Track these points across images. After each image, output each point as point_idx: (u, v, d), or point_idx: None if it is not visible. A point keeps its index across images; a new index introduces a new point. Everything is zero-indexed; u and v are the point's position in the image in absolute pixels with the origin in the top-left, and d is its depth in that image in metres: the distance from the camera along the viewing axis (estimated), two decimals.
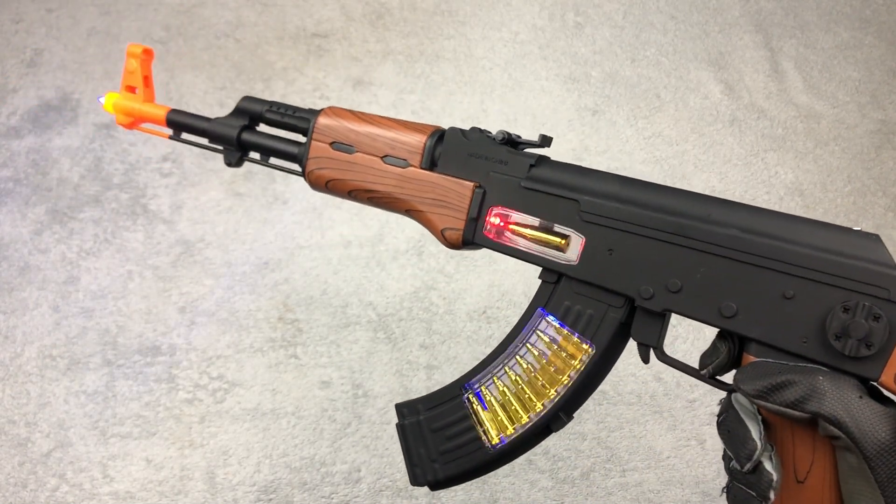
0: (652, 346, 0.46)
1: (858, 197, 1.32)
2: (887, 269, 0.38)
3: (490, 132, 0.52)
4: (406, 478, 0.97)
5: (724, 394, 0.45)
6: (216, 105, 1.33)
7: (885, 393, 0.39)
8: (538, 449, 0.99)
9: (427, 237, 1.17)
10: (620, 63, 1.47)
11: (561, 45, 1.49)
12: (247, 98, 0.60)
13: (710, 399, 1.10)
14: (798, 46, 1.52)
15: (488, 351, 1.07)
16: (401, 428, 0.52)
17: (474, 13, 1.53)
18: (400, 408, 0.53)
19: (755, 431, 0.40)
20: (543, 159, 0.51)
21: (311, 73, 1.39)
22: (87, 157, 1.26)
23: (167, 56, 1.41)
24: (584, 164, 1.41)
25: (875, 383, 0.38)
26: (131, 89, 0.60)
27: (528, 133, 1.36)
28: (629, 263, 0.45)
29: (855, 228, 0.40)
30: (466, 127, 0.53)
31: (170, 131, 0.61)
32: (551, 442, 1.00)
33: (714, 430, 1.08)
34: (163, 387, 1.02)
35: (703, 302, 0.43)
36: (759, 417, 0.41)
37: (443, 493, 0.95)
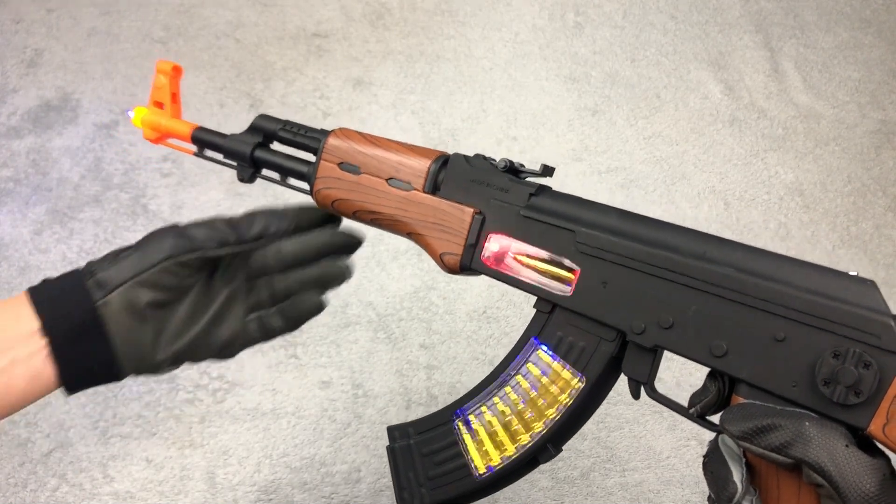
0: (642, 382, 0.46)
1: (858, 197, 1.32)
2: (879, 316, 0.37)
3: (494, 159, 0.52)
4: None
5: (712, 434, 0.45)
6: (216, 105, 1.33)
7: (879, 444, 0.38)
8: None
9: None
10: (620, 63, 1.47)
11: (561, 45, 1.49)
12: (262, 116, 0.60)
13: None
14: (798, 46, 1.52)
15: (488, 351, 1.07)
16: (391, 451, 0.52)
17: (474, 13, 1.53)
18: (392, 431, 0.53)
19: (737, 474, 0.40)
20: (544, 189, 0.51)
21: (311, 73, 1.39)
22: (88, 157, 1.26)
23: (167, 56, 1.41)
24: (584, 165, 1.41)
25: (864, 433, 0.38)
26: (159, 105, 0.61)
27: (528, 133, 1.36)
28: (622, 297, 0.45)
29: (851, 273, 0.39)
30: (470, 148, 0.55)
31: (194, 147, 0.62)
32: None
33: None
34: (163, 387, 1.02)
35: (693, 340, 0.43)
36: (744, 461, 0.40)
37: None
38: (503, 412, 0.48)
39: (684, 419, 1.07)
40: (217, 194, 1.22)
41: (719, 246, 0.43)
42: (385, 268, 1.15)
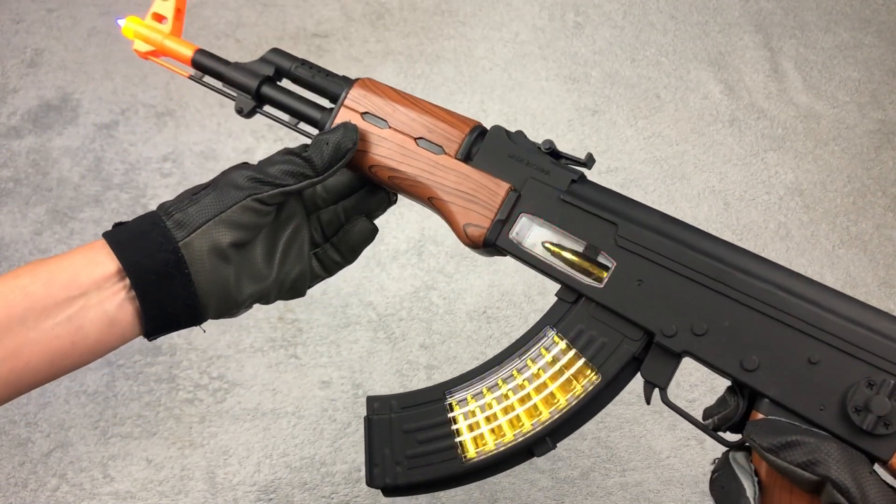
0: (659, 386, 0.45)
1: (858, 197, 1.32)
2: None
3: (535, 141, 0.50)
4: None
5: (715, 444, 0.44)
6: (216, 105, 1.33)
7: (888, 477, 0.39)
8: None
9: (426, 238, 1.17)
10: (620, 63, 1.47)
11: (561, 45, 1.49)
12: (276, 50, 0.55)
13: (709, 399, 1.10)
14: (798, 46, 1.52)
15: (488, 351, 1.07)
16: (367, 422, 0.50)
17: (474, 13, 1.53)
18: (371, 401, 0.50)
19: (750, 490, 0.40)
20: (585, 178, 0.50)
21: None
22: (88, 157, 1.26)
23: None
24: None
25: (883, 465, 0.38)
26: (159, 18, 0.56)
27: (528, 133, 1.36)
28: (657, 298, 0.44)
29: (890, 313, 0.40)
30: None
31: (189, 70, 0.57)
32: None
33: None
34: (163, 387, 1.02)
35: (726, 351, 0.42)
36: (755, 479, 0.40)
37: (441, 493, 0.95)
38: (506, 395, 0.46)
39: (683, 419, 1.07)
40: None
41: (761, 263, 0.43)
42: (385, 268, 1.15)
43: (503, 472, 0.47)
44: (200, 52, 0.56)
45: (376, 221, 0.57)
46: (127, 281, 0.44)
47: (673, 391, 1.10)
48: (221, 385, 1.02)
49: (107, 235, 0.46)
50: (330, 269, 0.55)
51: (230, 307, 0.49)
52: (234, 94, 0.54)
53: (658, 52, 1.49)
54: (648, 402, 0.45)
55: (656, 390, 0.45)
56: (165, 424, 0.99)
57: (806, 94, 1.45)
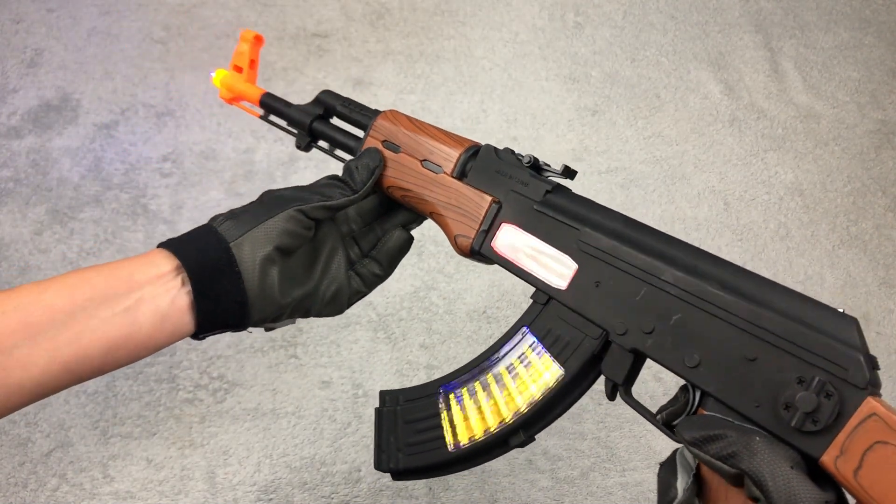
0: (617, 382, 0.46)
1: (858, 197, 1.32)
2: (851, 351, 0.37)
3: (522, 155, 0.54)
4: None
5: None
6: (216, 105, 1.33)
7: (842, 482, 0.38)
8: (538, 448, 1.00)
9: (426, 238, 1.17)
10: (620, 63, 1.47)
11: (561, 45, 1.49)
12: (326, 91, 0.64)
13: None
14: (798, 46, 1.52)
15: None
16: (378, 413, 0.55)
17: (474, 13, 1.53)
18: (383, 395, 0.55)
19: (681, 482, 0.40)
20: (561, 188, 0.53)
21: (311, 74, 1.39)
22: (88, 157, 1.26)
23: (167, 56, 1.41)
24: (583, 165, 1.41)
25: (817, 462, 0.38)
26: (238, 69, 0.66)
27: (528, 133, 1.36)
28: (612, 298, 0.46)
29: (838, 310, 0.40)
30: (500, 146, 0.56)
31: (260, 111, 0.66)
32: (551, 442, 1.00)
33: None
34: (163, 387, 1.02)
35: (670, 348, 0.43)
36: (693, 472, 0.41)
37: (442, 493, 0.95)
38: (489, 389, 0.50)
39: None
40: (217, 194, 1.22)
41: (712, 262, 0.44)
42: None
43: (485, 461, 0.50)
44: (267, 94, 0.65)
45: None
46: (180, 279, 0.47)
47: (672, 391, 1.10)
48: (221, 385, 1.02)
49: (162, 244, 0.49)
50: (370, 284, 0.59)
51: (274, 310, 0.52)
52: (295, 132, 0.64)
53: (658, 52, 1.49)
54: (610, 398, 0.48)
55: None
56: (165, 424, 0.99)
57: (806, 94, 1.45)
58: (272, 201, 0.52)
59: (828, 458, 0.37)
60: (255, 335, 1.07)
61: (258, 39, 0.66)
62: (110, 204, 1.20)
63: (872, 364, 0.38)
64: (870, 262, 1.24)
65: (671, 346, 0.43)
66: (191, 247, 0.48)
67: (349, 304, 0.58)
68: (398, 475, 0.52)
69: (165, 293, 0.46)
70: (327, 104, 0.63)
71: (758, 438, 0.38)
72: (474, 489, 0.95)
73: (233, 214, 0.51)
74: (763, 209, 1.29)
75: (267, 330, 0.57)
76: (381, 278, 0.59)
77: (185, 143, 1.28)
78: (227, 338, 1.06)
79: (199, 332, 0.49)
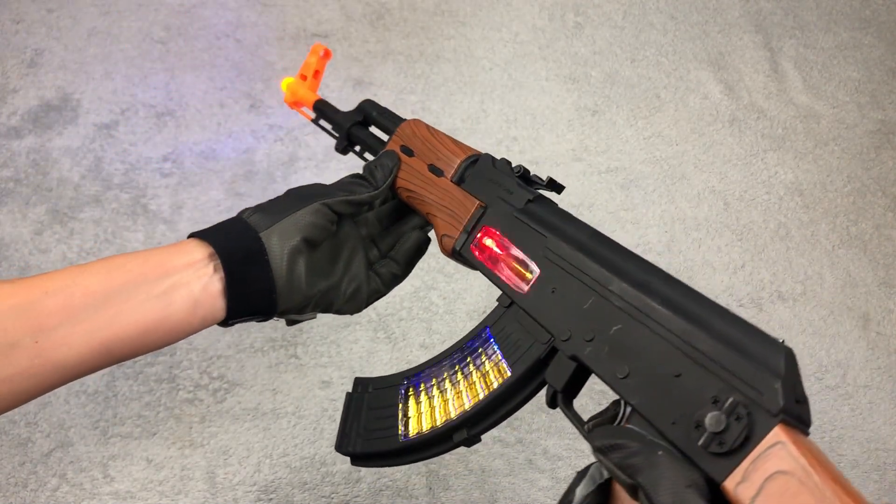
0: (556, 388, 0.46)
1: (858, 197, 1.32)
2: (769, 375, 0.36)
3: (515, 165, 0.57)
4: (405, 477, 0.97)
5: None
6: (216, 105, 1.34)
7: None
8: (537, 448, 1.00)
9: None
10: (620, 63, 1.47)
11: (561, 45, 1.49)
12: (367, 101, 0.69)
13: None
14: (798, 46, 1.52)
15: None
16: (348, 397, 0.57)
17: (474, 13, 1.53)
18: (357, 381, 0.57)
19: (581, 488, 0.41)
20: (542, 199, 0.54)
21: None
22: (88, 157, 1.26)
23: (167, 56, 1.41)
24: (583, 165, 1.40)
25: (717, 488, 0.36)
26: (304, 77, 0.74)
27: (528, 133, 1.37)
28: (563, 305, 0.47)
29: (774, 337, 0.38)
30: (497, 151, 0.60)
31: (314, 115, 0.73)
32: (551, 442, 1.00)
33: None
34: (163, 387, 1.02)
35: (605, 358, 0.43)
36: (598, 483, 0.41)
37: (442, 492, 0.95)
38: (444, 385, 0.52)
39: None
40: (217, 194, 1.22)
41: (663, 281, 0.44)
42: None
43: (433, 455, 0.52)
44: (320, 101, 0.72)
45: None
46: (212, 266, 0.49)
47: None
48: (221, 385, 1.02)
49: (193, 233, 0.52)
50: (388, 284, 0.62)
51: (300, 300, 0.54)
52: (337, 136, 0.70)
53: (658, 53, 1.49)
54: (549, 406, 0.47)
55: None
56: (165, 424, 0.99)
57: (806, 94, 1.45)
58: (298, 196, 0.54)
59: (730, 483, 0.35)
60: (254, 335, 1.07)
61: (326, 54, 0.74)
62: (110, 204, 1.20)
63: (795, 394, 0.36)
64: (870, 262, 1.24)
65: (606, 355, 0.43)
66: (221, 235, 0.51)
67: (368, 303, 0.61)
68: (355, 459, 0.54)
69: (198, 279, 0.48)
70: (366, 112, 0.68)
71: (660, 453, 0.37)
72: (474, 489, 0.95)
73: (260, 208, 0.54)
74: (763, 209, 1.29)
75: (289, 323, 0.59)
76: (399, 278, 0.62)
77: (186, 143, 1.28)
78: (227, 337, 1.07)
79: (230, 317, 0.50)
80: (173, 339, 0.49)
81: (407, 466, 0.99)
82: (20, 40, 1.41)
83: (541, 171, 1.30)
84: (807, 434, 0.36)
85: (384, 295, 0.62)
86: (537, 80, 1.43)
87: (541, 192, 0.55)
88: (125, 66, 1.39)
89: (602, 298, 0.45)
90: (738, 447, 0.35)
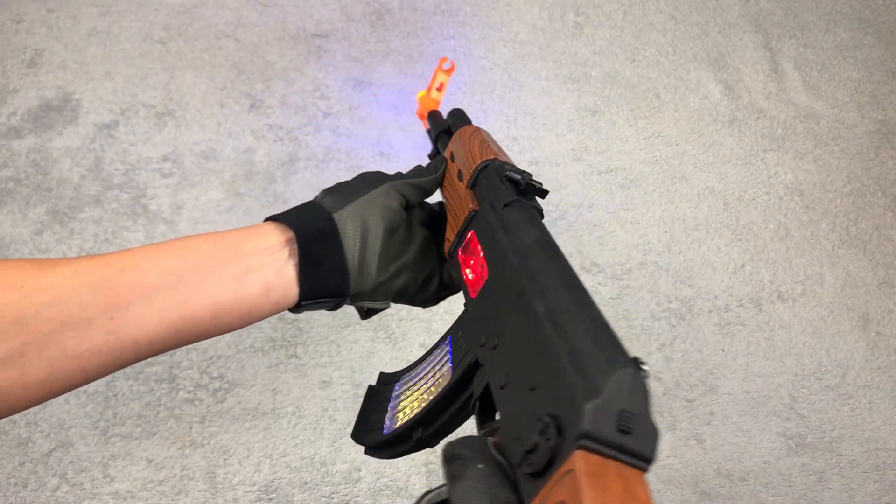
0: (474, 394, 0.44)
1: (858, 197, 1.32)
2: (585, 394, 0.32)
3: (511, 171, 0.56)
4: (405, 477, 0.97)
5: None
6: (216, 105, 1.34)
7: None
8: None
9: None
10: (620, 63, 1.47)
11: (561, 45, 1.49)
12: (456, 109, 0.73)
13: (708, 399, 1.10)
14: (798, 46, 1.52)
15: None
16: (370, 389, 0.57)
17: (474, 14, 1.53)
18: (381, 375, 0.58)
19: (430, 494, 0.40)
20: (518, 203, 0.53)
21: (312, 74, 1.39)
22: (88, 158, 1.26)
23: (167, 56, 1.41)
24: (583, 165, 1.40)
25: None
26: (432, 89, 0.81)
27: (528, 133, 1.37)
28: (493, 308, 0.46)
29: (623, 356, 0.34)
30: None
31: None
32: None
33: (713, 430, 1.08)
34: (163, 387, 1.02)
35: (498, 366, 0.42)
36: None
37: None
38: (421, 383, 0.53)
39: (683, 419, 1.07)
40: (217, 194, 1.22)
41: (564, 288, 0.41)
42: None
43: (405, 452, 0.52)
44: (433, 111, 0.78)
45: None
46: (287, 251, 0.49)
47: (672, 391, 1.10)
48: (221, 385, 1.02)
49: (269, 217, 0.52)
50: (460, 283, 0.63)
51: (371, 284, 0.54)
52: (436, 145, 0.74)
53: (658, 53, 1.49)
54: (471, 412, 0.46)
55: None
56: (166, 424, 0.99)
57: (806, 94, 1.45)
58: (367, 179, 0.55)
59: None
60: (255, 335, 1.07)
61: (452, 69, 0.80)
62: (110, 204, 1.20)
63: (618, 421, 0.32)
64: (869, 262, 1.24)
65: (499, 364, 0.41)
66: (297, 216, 0.51)
67: (439, 297, 0.61)
68: (366, 449, 0.55)
69: (272, 264, 0.48)
70: (452, 120, 0.72)
71: (480, 467, 0.35)
72: None
73: (331, 190, 0.54)
74: (763, 209, 1.29)
75: (363, 315, 0.59)
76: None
77: (186, 143, 1.28)
78: (227, 337, 1.07)
79: (302, 300, 0.50)
80: (245, 322, 0.48)
81: (407, 466, 0.99)
82: (20, 40, 1.41)
83: (541, 171, 1.30)
84: (635, 468, 0.32)
85: (456, 292, 0.60)
86: (537, 80, 1.43)
87: (523, 196, 0.54)
88: (125, 66, 1.39)
89: (516, 305, 0.43)
90: (543, 469, 0.32)
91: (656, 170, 1.32)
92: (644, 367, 0.34)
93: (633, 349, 1.12)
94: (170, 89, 1.36)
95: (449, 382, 0.48)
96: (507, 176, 0.54)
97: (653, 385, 1.06)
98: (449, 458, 0.36)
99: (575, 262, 1.18)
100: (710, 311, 1.18)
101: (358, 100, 1.37)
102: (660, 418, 1.03)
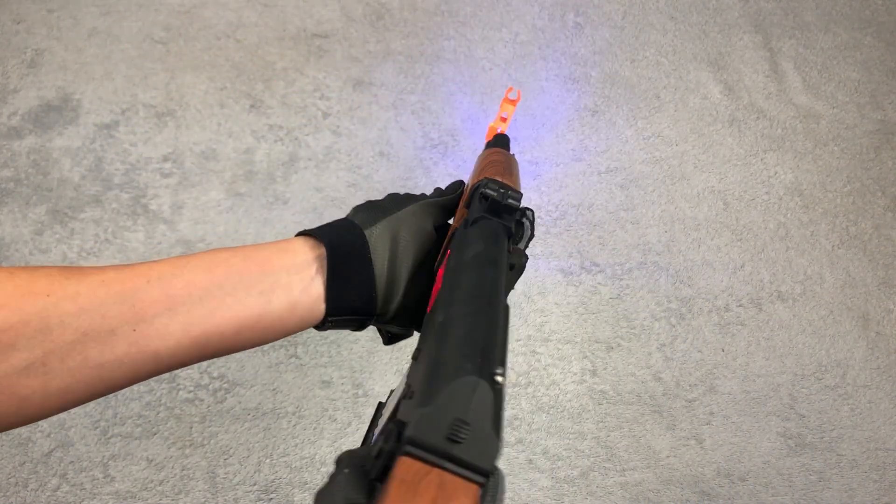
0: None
1: (858, 197, 1.32)
2: (421, 405, 0.32)
3: (492, 188, 0.57)
4: None
5: None
6: (216, 105, 1.34)
7: None
8: (537, 448, 1.00)
9: None
10: (620, 63, 1.47)
11: (561, 45, 1.49)
12: (501, 134, 0.75)
13: (709, 399, 1.10)
14: (797, 47, 1.52)
15: None
16: (379, 405, 0.57)
17: (474, 14, 1.53)
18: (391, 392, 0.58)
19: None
20: (482, 220, 0.54)
21: (312, 74, 1.39)
22: (88, 158, 1.26)
23: (168, 56, 1.41)
24: (583, 165, 1.40)
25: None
26: (502, 119, 0.83)
27: (529, 133, 1.37)
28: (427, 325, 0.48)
29: (496, 370, 0.34)
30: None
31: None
32: (551, 442, 1.00)
33: (713, 430, 1.08)
34: (164, 386, 1.02)
35: (412, 376, 0.41)
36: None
37: None
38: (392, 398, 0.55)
39: (683, 419, 1.07)
40: (217, 194, 1.22)
41: (473, 300, 0.41)
42: None
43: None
44: (494, 136, 0.77)
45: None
46: (314, 268, 0.49)
47: (672, 391, 1.10)
48: (222, 385, 1.02)
49: (301, 232, 0.52)
50: None
51: (397, 306, 0.54)
52: None
53: (658, 53, 1.49)
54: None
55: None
56: (166, 424, 0.99)
57: (805, 94, 1.45)
58: (398, 198, 0.57)
59: None
60: None
61: (518, 99, 0.82)
62: (111, 204, 1.20)
63: (448, 431, 0.31)
64: (869, 262, 1.24)
65: (412, 375, 0.41)
66: (328, 232, 0.51)
67: None
68: None
69: (299, 281, 0.48)
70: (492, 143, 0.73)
71: (346, 471, 0.34)
72: None
73: (362, 208, 0.55)
74: (762, 209, 1.29)
75: (386, 341, 0.57)
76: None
77: (186, 144, 1.28)
78: None
79: (329, 316, 0.50)
80: (269, 338, 0.48)
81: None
82: (21, 40, 1.41)
83: (541, 170, 1.30)
84: (465, 478, 0.30)
85: None
86: (537, 81, 1.43)
87: (496, 214, 0.55)
88: (125, 66, 1.39)
89: (429, 317, 0.44)
90: (380, 474, 0.32)
91: (656, 170, 1.32)
92: (498, 378, 0.33)
93: (633, 349, 1.12)
94: (170, 89, 1.36)
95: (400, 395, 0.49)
96: (482, 193, 0.54)
97: (653, 385, 1.06)
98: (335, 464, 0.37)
99: (575, 262, 1.18)
100: (709, 311, 1.18)
101: (358, 100, 1.37)
102: (659, 418, 1.03)
